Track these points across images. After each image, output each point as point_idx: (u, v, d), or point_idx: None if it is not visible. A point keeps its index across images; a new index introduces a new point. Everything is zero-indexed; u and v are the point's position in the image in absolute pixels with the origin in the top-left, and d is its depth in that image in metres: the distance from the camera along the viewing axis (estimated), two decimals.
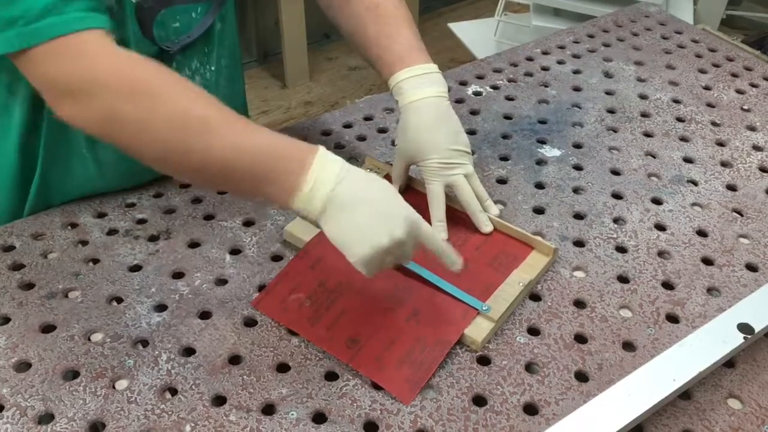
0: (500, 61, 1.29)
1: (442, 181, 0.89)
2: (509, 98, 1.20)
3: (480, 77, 1.25)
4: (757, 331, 0.77)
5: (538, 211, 0.98)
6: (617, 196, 1.01)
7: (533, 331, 0.82)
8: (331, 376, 0.77)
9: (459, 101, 1.18)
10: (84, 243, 0.92)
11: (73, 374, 0.77)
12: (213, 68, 0.99)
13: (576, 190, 1.01)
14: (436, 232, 0.90)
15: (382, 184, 0.73)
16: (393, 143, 1.08)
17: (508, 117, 1.15)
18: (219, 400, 0.74)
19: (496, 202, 0.95)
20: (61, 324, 0.81)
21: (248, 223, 0.95)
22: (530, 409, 0.74)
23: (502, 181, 1.02)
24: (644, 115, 1.17)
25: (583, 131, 1.12)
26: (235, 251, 0.91)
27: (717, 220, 0.97)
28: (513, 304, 0.83)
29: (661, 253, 0.92)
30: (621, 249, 0.92)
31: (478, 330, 0.80)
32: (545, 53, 1.32)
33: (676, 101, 1.20)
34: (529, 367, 0.78)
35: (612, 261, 0.90)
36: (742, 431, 0.72)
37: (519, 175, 1.03)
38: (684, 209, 0.98)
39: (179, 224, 0.94)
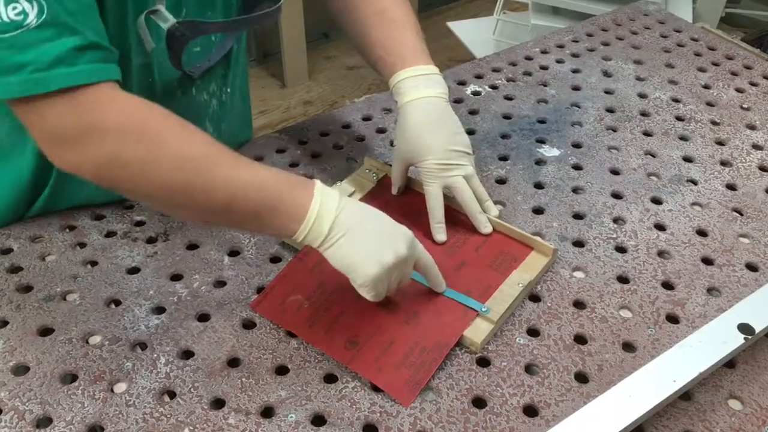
0: (499, 61, 1.29)
1: (440, 183, 0.88)
2: (508, 98, 1.19)
3: (479, 77, 1.24)
4: (757, 331, 0.77)
5: (538, 211, 0.98)
6: (617, 195, 1.00)
7: (533, 332, 0.82)
8: (330, 378, 0.77)
9: (458, 101, 1.18)
10: (82, 245, 0.91)
11: (71, 377, 0.77)
12: (229, 90, 1.00)
13: (575, 190, 1.01)
14: (435, 234, 0.90)
15: (376, 209, 0.77)
16: (392, 143, 1.08)
17: (507, 117, 1.15)
18: (218, 403, 0.74)
19: (495, 203, 0.95)
20: (59, 327, 0.81)
21: None
22: (530, 411, 0.74)
23: (501, 181, 1.02)
24: (644, 114, 1.16)
25: (582, 131, 1.12)
26: (233, 253, 0.91)
27: (717, 219, 0.97)
28: (512, 305, 0.82)
29: (660, 253, 0.91)
30: (621, 249, 0.92)
31: (477, 331, 0.79)
32: (544, 52, 1.31)
33: (676, 100, 1.19)
34: (529, 369, 0.78)
35: (612, 261, 0.90)
36: None
37: (518, 175, 1.03)
38: (684, 209, 0.98)
39: (177, 226, 0.94)
